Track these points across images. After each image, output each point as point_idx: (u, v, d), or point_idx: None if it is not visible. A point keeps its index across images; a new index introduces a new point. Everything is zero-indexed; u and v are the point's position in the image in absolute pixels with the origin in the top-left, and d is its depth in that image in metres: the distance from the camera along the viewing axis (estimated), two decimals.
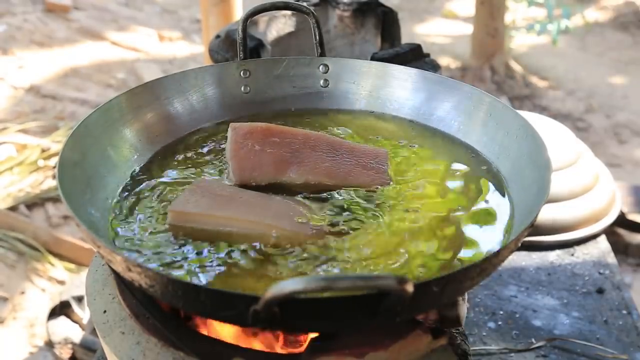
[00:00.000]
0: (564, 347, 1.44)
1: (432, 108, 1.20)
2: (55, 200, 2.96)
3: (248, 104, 1.24)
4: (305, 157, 1.06)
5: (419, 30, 5.14)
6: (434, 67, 1.54)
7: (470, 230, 0.95)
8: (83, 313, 2.21)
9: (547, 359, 1.41)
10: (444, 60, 4.46)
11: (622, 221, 2.46)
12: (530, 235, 1.70)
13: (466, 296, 0.95)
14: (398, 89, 1.23)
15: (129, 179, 1.05)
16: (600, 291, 1.60)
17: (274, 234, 0.91)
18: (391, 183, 1.04)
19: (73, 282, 2.37)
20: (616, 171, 3.24)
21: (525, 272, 1.67)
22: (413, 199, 1.01)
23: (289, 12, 1.77)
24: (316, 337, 0.84)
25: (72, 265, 2.63)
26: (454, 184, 1.05)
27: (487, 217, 0.98)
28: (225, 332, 0.93)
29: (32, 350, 2.28)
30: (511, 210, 0.98)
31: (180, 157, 1.11)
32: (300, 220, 0.94)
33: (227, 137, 1.09)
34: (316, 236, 0.91)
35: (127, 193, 1.02)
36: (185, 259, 0.88)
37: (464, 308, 0.87)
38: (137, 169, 1.08)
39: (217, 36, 1.73)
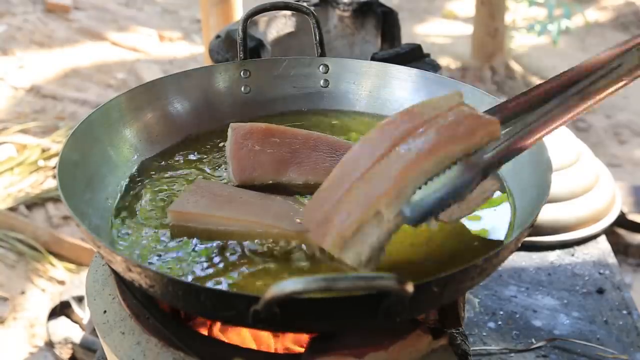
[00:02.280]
0: (564, 347, 1.44)
1: None
2: (55, 200, 2.96)
3: (248, 104, 1.24)
4: (305, 157, 1.06)
5: (419, 30, 5.13)
6: (434, 67, 1.54)
7: (471, 230, 0.95)
8: (83, 313, 2.21)
9: (547, 359, 1.41)
10: (444, 60, 4.45)
11: (622, 221, 2.46)
12: (530, 235, 1.70)
13: (466, 296, 0.95)
14: (398, 89, 1.23)
15: (129, 179, 1.05)
16: (600, 291, 1.60)
17: (274, 234, 0.91)
18: None
19: (73, 282, 2.37)
20: (616, 171, 3.23)
21: (525, 272, 1.67)
22: None
23: (289, 12, 1.77)
24: (316, 337, 0.84)
25: (72, 265, 2.63)
26: None
27: (487, 217, 0.98)
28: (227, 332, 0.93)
29: (32, 350, 2.28)
30: (511, 211, 0.98)
31: (181, 157, 1.12)
32: (300, 220, 0.94)
33: (227, 137, 1.09)
34: None
35: (127, 193, 1.02)
36: (185, 259, 0.88)
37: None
38: (138, 169, 1.08)
39: (217, 36, 1.73)
